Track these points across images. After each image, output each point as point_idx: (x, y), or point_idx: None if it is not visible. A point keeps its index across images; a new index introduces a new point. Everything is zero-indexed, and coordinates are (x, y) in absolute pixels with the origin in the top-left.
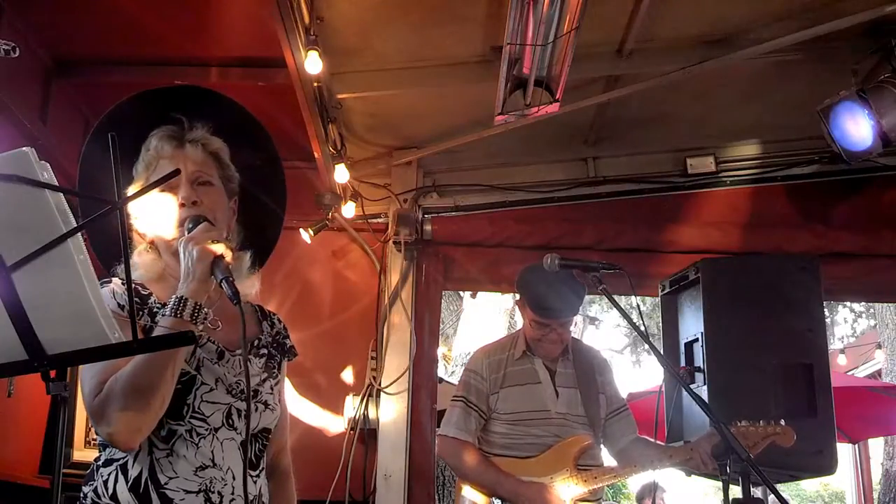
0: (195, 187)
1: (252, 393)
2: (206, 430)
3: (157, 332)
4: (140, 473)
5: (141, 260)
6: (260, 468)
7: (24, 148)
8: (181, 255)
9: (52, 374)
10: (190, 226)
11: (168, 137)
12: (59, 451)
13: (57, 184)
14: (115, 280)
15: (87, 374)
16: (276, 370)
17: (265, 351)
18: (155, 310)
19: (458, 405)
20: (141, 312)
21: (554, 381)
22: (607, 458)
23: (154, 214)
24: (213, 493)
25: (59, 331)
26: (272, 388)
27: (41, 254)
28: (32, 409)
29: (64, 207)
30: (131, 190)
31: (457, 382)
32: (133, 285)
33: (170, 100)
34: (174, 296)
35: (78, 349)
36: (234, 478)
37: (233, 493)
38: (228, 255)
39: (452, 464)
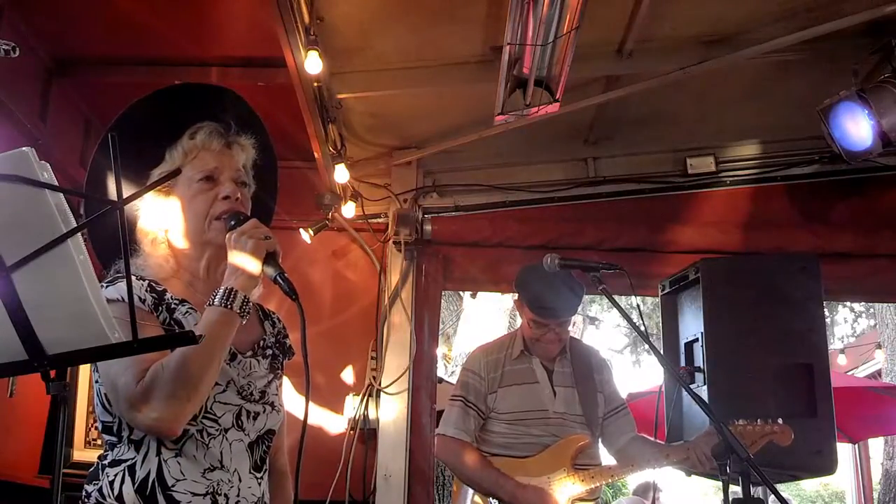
0: (237, 186)
1: (259, 395)
2: (217, 430)
3: (203, 320)
4: (147, 475)
5: (153, 254)
6: (264, 469)
7: (24, 148)
8: (230, 248)
9: (52, 374)
10: (232, 222)
11: (218, 133)
12: (59, 451)
13: (57, 184)
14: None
15: (122, 365)
16: (279, 370)
17: (270, 351)
18: (173, 305)
19: (457, 404)
20: (160, 308)
21: (551, 381)
22: (606, 458)
23: (185, 207)
24: (219, 495)
25: (59, 331)
26: (277, 389)
27: (41, 254)
28: (32, 409)
29: (64, 207)
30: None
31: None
32: (146, 281)
33: (216, 100)
34: (222, 287)
35: (78, 349)
36: (240, 479)
37: (238, 496)
38: (279, 254)
39: (451, 464)
